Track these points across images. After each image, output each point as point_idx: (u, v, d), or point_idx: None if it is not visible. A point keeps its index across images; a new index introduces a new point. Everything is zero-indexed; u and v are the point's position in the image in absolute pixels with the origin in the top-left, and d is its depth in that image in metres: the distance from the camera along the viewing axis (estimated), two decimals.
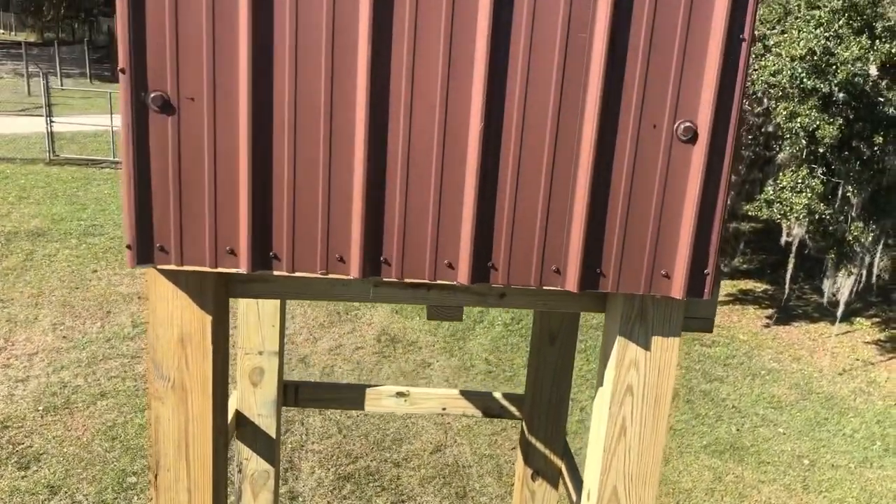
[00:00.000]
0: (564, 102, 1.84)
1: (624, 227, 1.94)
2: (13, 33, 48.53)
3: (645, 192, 1.92)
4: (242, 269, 1.91)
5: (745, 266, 17.50)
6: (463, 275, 1.93)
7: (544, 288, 1.99)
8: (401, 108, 1.82)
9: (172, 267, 1.92)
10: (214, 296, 2.05)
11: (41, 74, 21.41)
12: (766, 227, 16.88)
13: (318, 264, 1.92)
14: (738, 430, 10.50)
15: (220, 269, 1.92)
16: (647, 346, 2.18)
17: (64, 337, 11.33)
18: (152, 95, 1.79)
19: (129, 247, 1.89)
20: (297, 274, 1.94)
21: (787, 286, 13.86)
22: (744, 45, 1.81)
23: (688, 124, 1.87)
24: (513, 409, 4.48)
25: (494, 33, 1.78)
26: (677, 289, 2.04)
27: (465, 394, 4.47)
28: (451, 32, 1.80)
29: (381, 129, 1.82)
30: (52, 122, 20.69)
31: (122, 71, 1.78)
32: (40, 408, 9.37)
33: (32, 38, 45.22)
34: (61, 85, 32.88)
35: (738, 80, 1.83)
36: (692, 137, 1.88)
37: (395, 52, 1.80)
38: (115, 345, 11.25)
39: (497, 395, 4.55)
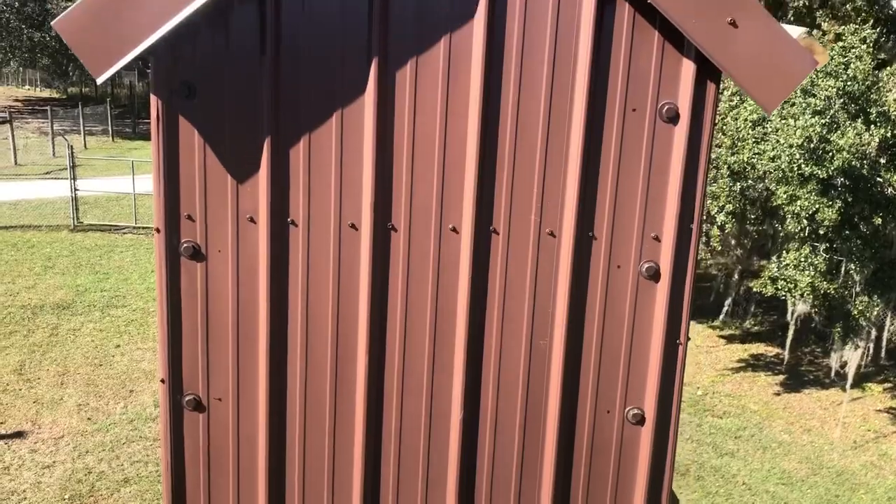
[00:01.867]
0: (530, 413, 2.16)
1: None
2: (38, 89, 49.68)
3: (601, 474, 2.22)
4: None
5: (756, 328, 17.64)
6: None
7: None
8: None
9: None
10: None
11: (66, 146, 22.04)
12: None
13: None
14: None
15: None
16: None
17: (88, 419, 11.66)
18: (186, 398, 2.13)
19: None
20: None
21: (787, 351, 14.02)
22: (680, 348, 2.13)
23: (636, 411, 2.19)
24: None
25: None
26: None
27: None
28: (434, 333, 2.13)
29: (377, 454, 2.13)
30: (76, 189, 21.27)
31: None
32: (66, 496, 9.67)
33: (56, 95, 46.27)
34: (85, 146, 33.65)
35: (677, 382, 2.15)
36: (640, 420, 2.19)
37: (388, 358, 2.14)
38: (137, 426, 11.56)
39: None
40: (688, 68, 2.08)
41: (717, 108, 2.08)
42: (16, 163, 29.76)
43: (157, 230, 2.11)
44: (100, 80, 1.92)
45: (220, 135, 2.10)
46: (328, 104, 2.13)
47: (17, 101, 45.32)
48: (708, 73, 2.07)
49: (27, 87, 50.63)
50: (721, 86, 2.08)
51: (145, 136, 37.40)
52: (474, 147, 2.13)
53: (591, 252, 2.18)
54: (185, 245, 2.12)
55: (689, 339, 2.13)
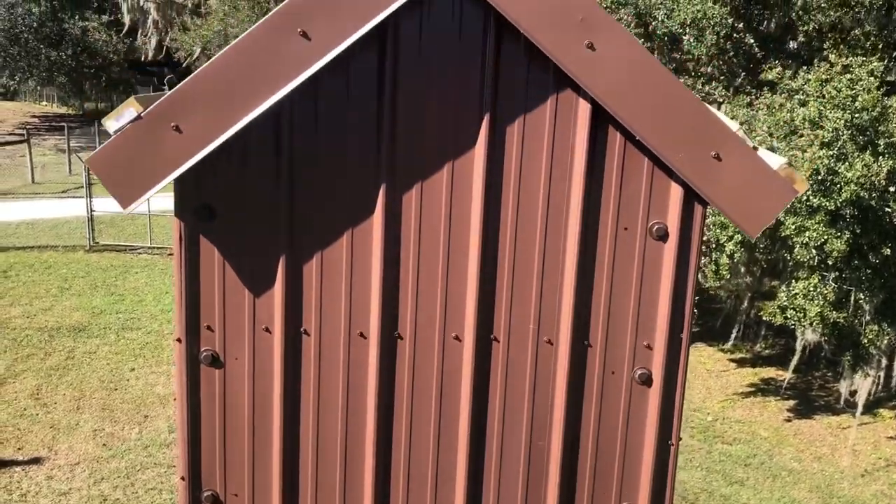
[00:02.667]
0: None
1: None
2: (55, 105, 50.24)
3: None
4: None
5: (766, 352, 17.64)
6: None
7: None
8: None
9: None
10: None
11: (83, 167, 22.30)
12: None
13: None
14: None
15: None
16: None
17: (104, 445, 11.82)
18: (205, 494, 2.26)
19: None
20: None
21: (796, 375, 14.03)
22: (672, 448, 2.25)
23: None
24: None
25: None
26: None
27: None
28: (438, 434, 2.26)
29: None
30: (92, 210, 21.55)
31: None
32: None
33: (72, 112, 46.79)
34: None
35: (669, 479, 2.26)
36: None
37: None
38: (152, 452, 11.72)
39: None
40: (676, 191, 2.21)
41: (703, 228, 2.22)
42: (33, 181, 30.14)
43: (179, 340, 2.26)
44: (127, 211, 2.07)
45: (239, 252, 2.25)
46: (340, 224, 2.27)
47: (34, 117, 45.88)
48: (695, 196, 2.20)
49: (44, 102, 51.19)
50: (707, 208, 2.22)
51: None
52: (475, 262, 2.27)
53: (586, 359, 2.31)
54: (204, 353, 2.27)
55: (680, 438, 2.25)
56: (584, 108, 2.18)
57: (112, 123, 2.05)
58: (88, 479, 10.85)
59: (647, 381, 2.31)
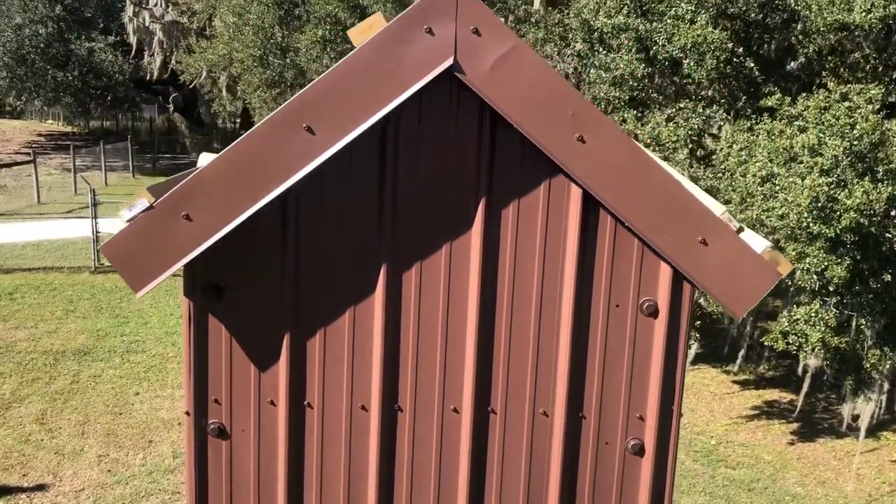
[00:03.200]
0: None
1: None
2: (60, 123, 50.48)
3: None
4: None
5: (770, 373, 17.66)
6: None
7: None
8: None
9: None
10: None
11: (89, 189, 22.45)
12: None
13: None
14: None
15: None
16: None
17: (108, 471, 11.87)
18: None
19: None
20: None
21: (801, 398, 14.04)
22: None
23: None
24: None
25: None
26: None
27: None
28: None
29: None
30: (97, 232, 21.68)
31: None
32: None
33: (77, 131, 47.00)
34: (105, 182, 34.21)
35: None
36: None
37: None
38: (156, 479, 11.76)
39: None
40: (665, 270, 2.30)
41: (692, 305, 2.31)
42: (39, 201, 30.32)
43: (187, 413, 2.35)
44: (139, 295, 2.15)
45: (245, 330, 2.34)
46: (342, 303, 2.36)
47: (39, 135, 46.17)
48: (683, 276, 2.28)
49: (49, 120, 51.40)
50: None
51: (166, 173, 38.00)
52: (473, 338, 2.35)
53: (580, 430, 2.39)
54: (212, 426, 2.35)
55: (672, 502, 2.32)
56: (575, 193, 2.27)
57: (126, 213, 2.14)
58: None
59: (639, 451, 2.38)
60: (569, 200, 2.31)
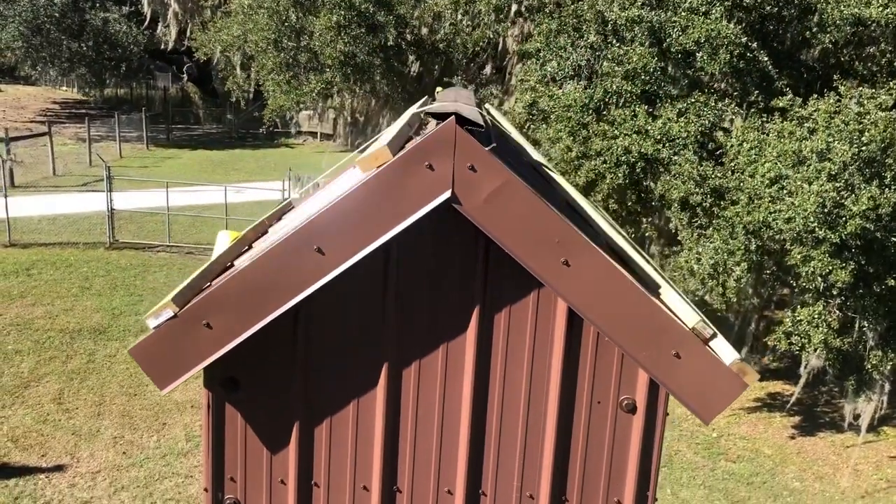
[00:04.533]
0: None
1: None
2: (75, 91, 50.54)
3: None
4: None
5: (774, 364, 17.85)
6: None
7: None
8: None
9: None
10: None
11: (104, 166, 22.68)
12: None
13: None
14: None
15: None
16: None
17: (124, 453, 12.26)
18: None
19: None
20: None
21: (801, 390, 14.25)
22: None
23: None
24: None
25: None
26: None
27: None
28: None
29: None
30: (112, 209, 21.96)
31: None
32: None
33: (92, 99, 47.08)
34: (120, 154, 34.43)
35: None
36: None
37: None
38: (170, 461, 12.14)
39: None
40: (643, 373, 2.50)
41: (667, 403, 2.52)
42: (54, 173, 30.58)
43: (206, 489, 2.58)
44: (164, 392, 2.37)
45: (259, 417, 2.57)
46: (347, 395, 2.58)
47: (54, 103, 46.32)
48: (657, 382, 2.49)
49: (64, 88, 51.36)
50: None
51: (179, 145, 38.18)
52: (466, 427, 2.57)
53: None
54: (228, 501, 2.58)
55: None
56: (562, 304, 2.47)
57: (152, 321, 2.35)
58: (109, 489, 11.28)
59: None
60: (556, 310, 2.52)
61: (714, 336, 2.46)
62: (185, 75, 46.12)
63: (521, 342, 2.57)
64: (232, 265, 2.76)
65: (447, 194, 2.31)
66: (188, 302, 2.38)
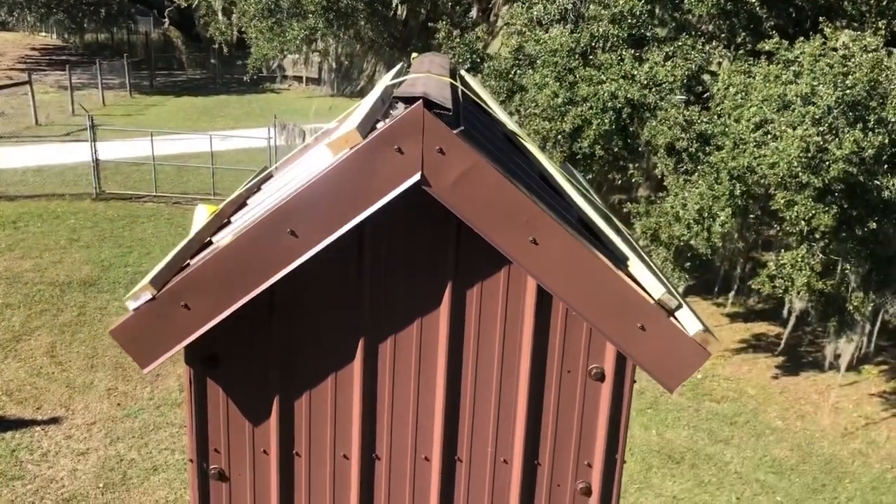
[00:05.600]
0: None
1: None
2: (54, 37, 49.40)
3: None
4: None
5: (759, 305, 18.08)
6: None
7: None
8: None
9: None
10: None
11: (87, 116, 22.41)
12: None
13: None
14: (738, 498, 11.29)
15: None
16: None
17: (118, 404, 12.43)
18: None
19: None
20: None
21: (786, 334, 14.52)
22: None
23: None
24: None
25: None
26: None
27: None
28: None
29: None
30: (97, 159, 21.77)
31: None
32: (101, 484, 10.48)
33: (71, 45, 46.09)
34: (103, 102, 33.95)
35: None
36: None
37: None
38: (164, 412, 12.33)
39: None
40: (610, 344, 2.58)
41: (634, 371, 2.61)
42: (36, 122, 30.19)
43: (191, 460, 2.67)
44: (145, 371, 2.44)
45: (239, 391, 2.64)
46: (325, 368, 2.66)
47: (33, 49, 45.39)
48: (623, 353, 2.57)
49: (43, 33, 50.20)
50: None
51: (163, 91, 37.64)
52: (441, 396, 2.67)
53: (536, 475, 2.73)
54: (212, 470, 2.68)
55: None
56: (531, 280, 2.53)
57: (131, 303, 2.41)
58: (105, 439, 11.48)
59: (587, 491, 2.72)
60: (526, 285, 2.58)
61: (679, 307, 2.54)
62: (166, 19, 45.18)
63: (492, 316, 2.64)
64: (210, 241, 2.81)
65: (416, 177, 2.35)
66: (166, 283, 2.43)
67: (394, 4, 18.80)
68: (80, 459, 11.01)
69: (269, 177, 3.77)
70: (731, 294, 17.00)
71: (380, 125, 2.44)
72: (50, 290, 16.51)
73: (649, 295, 2.46)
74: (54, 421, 12.00)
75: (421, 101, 2.26)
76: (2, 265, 17.31)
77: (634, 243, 3.01)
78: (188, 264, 2.54)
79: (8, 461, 10.94)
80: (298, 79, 41.24)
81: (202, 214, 3.07)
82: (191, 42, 43.35)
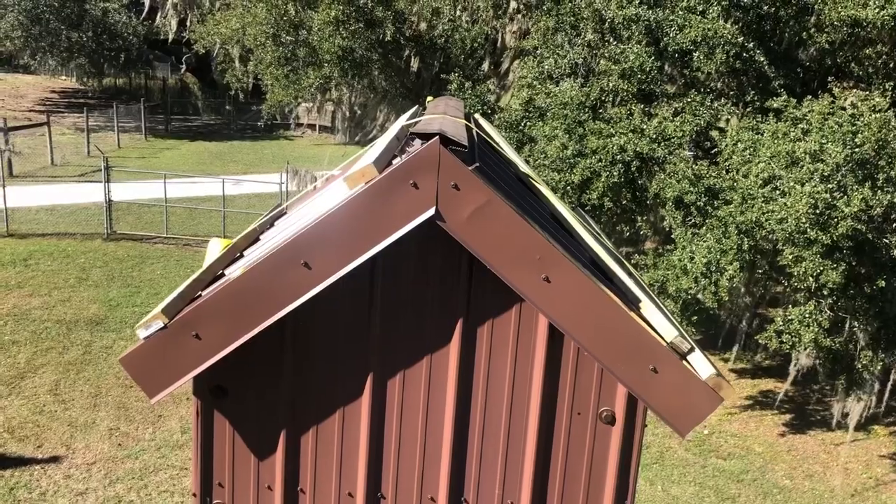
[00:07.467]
0: None
1: None
2: (74, 80, 50.24)
3: None
4: None
5: (766, 362, 17.93)
6: None
7: None
8: None
9: None
10: None
11: (102, 157, 22.66)
12: None
13: None
14: None
15: None
16: None
17: (119, 444, 12.33)
18: None
19: None
20: None
21: (793, 391, 14.33)
22: None
23: None
24: None
25: None
26: None
27: None
28: None
29: None
30: (110, 200, 21.97)
31: None
32: None
33: (90, 89, 46.84)
34: (118, 145, 34.38)
35: None
36: None
37: None
38: (165, 454, 12.21)
39: None
40: (622, 386, 2.56)
41: (645, 415, 2.59)
42: (52, 163, 30.56)
43: (195, 494, 2.64)
44: (153, 401, 2.43)
45: (247, 424, 2.63)
46: (333, 404, 2.65)
47: (53, 92, 46.19)
48: (635, 396, 2.55)
49: (63, 77, 51.09)
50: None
51: (177, 136, 38.13)
52: (449, 436, 2.64)
53: None
54: None
55: None
56: (543, 318, 2.53)
57: (142, 331, 2.41)
58: (104, 480, 11.35)
59: None
60: (537, 323, 2.58)
61: (692, 350, 2.53)
62: (183, 66, 45.98)
63: (503, 354, 2.63)
64: (223, 274, 2.82)
65: (431, 212, 2.37)
66: (178, 312, 2.44)
67: (407, 56, 19.14)
68: (79, 500, 10.88)
69: (283, 213, 3.80)
70: (736, 348, 16.89)
71: (396, 161, 2.47)
72: (57, 327, 16.52)
73: (662, 337, 2.45)
74: (54, 460, 11.89)
75: (437, 137, 2.29)
76: (11, 302, 17.37)
77: (646, 286, 3.01)
78: (200, 295, 2.55)
79: (6, 500, 10.82)
80: (312, 126, 41.78)
81: (216, 248, 3.09)
82: (207, 88, 44.09)
